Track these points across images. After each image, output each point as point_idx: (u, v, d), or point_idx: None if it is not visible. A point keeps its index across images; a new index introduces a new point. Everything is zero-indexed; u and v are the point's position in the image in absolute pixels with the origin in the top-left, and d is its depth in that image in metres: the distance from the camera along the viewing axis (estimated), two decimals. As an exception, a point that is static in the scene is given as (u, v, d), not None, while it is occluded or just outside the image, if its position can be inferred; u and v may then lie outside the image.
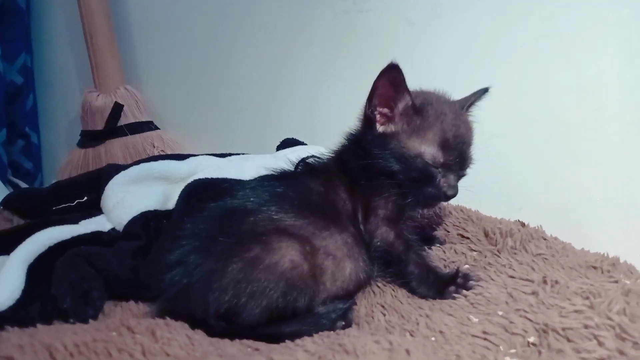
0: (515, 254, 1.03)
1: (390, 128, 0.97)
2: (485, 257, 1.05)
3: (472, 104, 1.05)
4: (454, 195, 0.96)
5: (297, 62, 1.84)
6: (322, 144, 1.37)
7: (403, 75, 0.91)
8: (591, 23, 1.41)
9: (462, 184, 0.99)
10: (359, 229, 0.98)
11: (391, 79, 0.92)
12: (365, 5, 1.69)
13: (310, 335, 0.78)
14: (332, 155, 1.07)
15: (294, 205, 0.94)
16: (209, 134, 2.04)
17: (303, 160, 1.14)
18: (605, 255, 0.98)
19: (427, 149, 0.94)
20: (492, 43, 1.53)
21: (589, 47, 1.42)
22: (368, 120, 0.99)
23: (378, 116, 0.97)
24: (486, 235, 1.14)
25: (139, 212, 1.23)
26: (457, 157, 0.96)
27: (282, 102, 1.89)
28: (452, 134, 0.96)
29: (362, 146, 1.00)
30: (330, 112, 1.79)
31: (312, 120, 1.83)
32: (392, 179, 0.96)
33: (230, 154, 1.51)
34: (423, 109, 0.96)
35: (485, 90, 1.07)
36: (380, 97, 0.96)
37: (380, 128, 0.98)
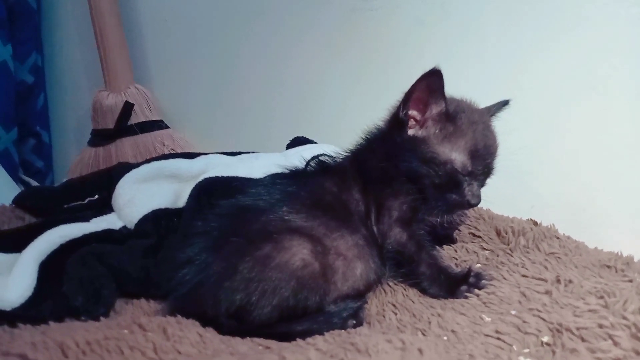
0: (527, 252, 1.02)
1: (421, 132, 0.97)
2: (498, 256, 1.04)
3: (493, 114, 1.06)
4: (477, 204, 0.97)
5: (306, 61, 1.83)
6: (328, 142, 1.37)
7: (443, 81, 0.91)
8: (601, 22, 1.40)
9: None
10: (371, 230, 0.97)
11: (431, 84, 0.92)
12: (374, 3, 1.68)
13: (321, 333, 0.78)
14: (348, 154, 1.06)
15: (306, 205, 0.93)
16: (219, 133, 2.04)
17: (315, 158, 1.13)
18: (619, 254, 0.98)
19: (458, 157, 0.95)
20: (501, 42, 1.52)
21: (599, 46, 1.41)
22: (399, 122, 0.98)
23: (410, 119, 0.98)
24: (498, 234, 1.13)
25: (149, 210, 1.23)
26: (485, 166, 0.97)
27: (292, 100, 1.89)
28: (482, 143, 0.96)
29: (386, 147, 0.99)
30: (339, 110, 1.79)
31: (321, 118, 1.83)
32: (415, 182, 0.96)
33: (240, 153, 1.51)
34: (456, 116, 0.96)
35: (506, 102, 1.08)
36: (415, 101, 0.96)
37: (410, 131, 0.98)
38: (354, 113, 1.66)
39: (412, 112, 0.97)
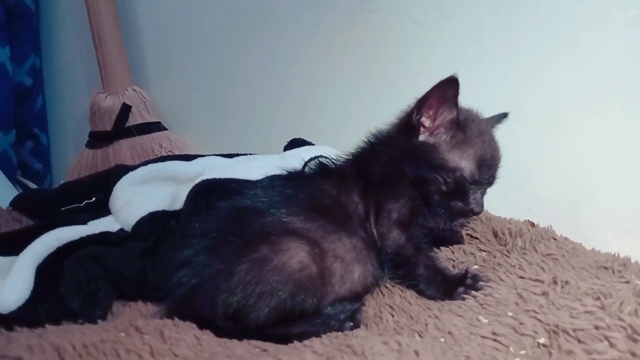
0: (525, 254, 1.02)
1: (432, 139, 0.98)
2: (495, 257, 1.04)
3: (493, 125, 1.07)
4: (480, 213, 0.99)
5: (303, 63, 1.84)
6: (327, 144, 1.37)
7: (459, 89, 0.92)
8: (598, 24, 1.40)
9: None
10: (370, 232, 0.98)
11: (446, 92, 0.93)
12: (371, 4, 1.69)
13: (318, 336, 0.78)
14: (349, 157, 1.07)
15: (304, 208, 0.94)
16: (216, 135, 2.04)
17: (313, 160, 1.13)
18: (616, 255, 0.98)
19: (467, 165, 0.96)
20: (498, 43, 1.53)
21: (595, 48, 1.41)
22: (410, 128, 0.99)
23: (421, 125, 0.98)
24: (495, 235, 1.13)
25: (147, 212, 1.23)
26: (490, 176, 0.99)
27: (289, 102, 1.89)
28: (490, 153, 0.98)
29: (393, 151, 1.00)
30: (336, 112, 1.79)
31: (318, 120, 1.83)
32: (419, 188, 0.97)
33: (237, 154, 1.51)
34: (466, 125, 0.98)
35: (504, 115, 1.10)
36: (428, 108, 0.96)
37: (421, 137, 0.98)
38: (354, 115, 1.67)
39: (424, 119, 0.98)
